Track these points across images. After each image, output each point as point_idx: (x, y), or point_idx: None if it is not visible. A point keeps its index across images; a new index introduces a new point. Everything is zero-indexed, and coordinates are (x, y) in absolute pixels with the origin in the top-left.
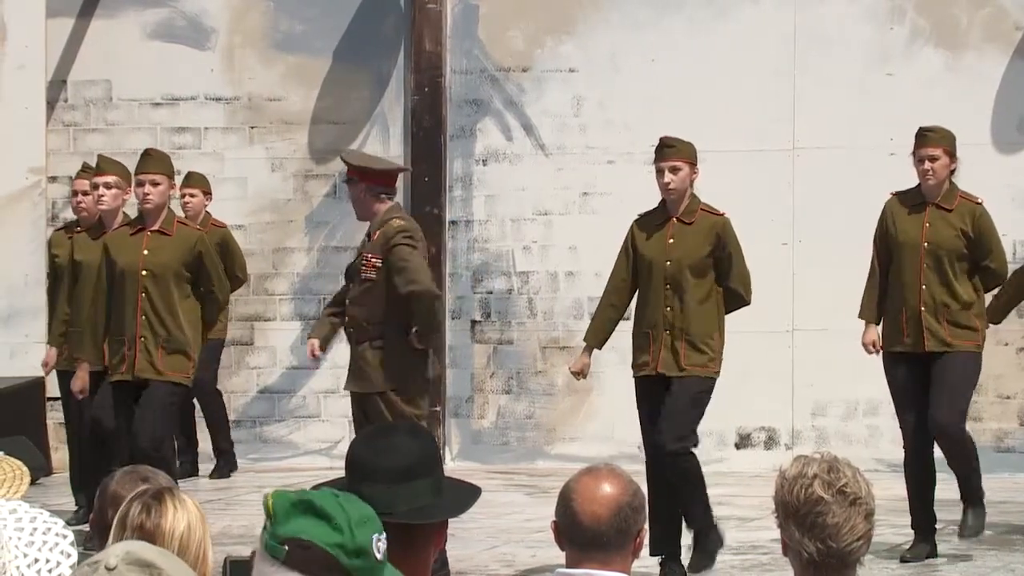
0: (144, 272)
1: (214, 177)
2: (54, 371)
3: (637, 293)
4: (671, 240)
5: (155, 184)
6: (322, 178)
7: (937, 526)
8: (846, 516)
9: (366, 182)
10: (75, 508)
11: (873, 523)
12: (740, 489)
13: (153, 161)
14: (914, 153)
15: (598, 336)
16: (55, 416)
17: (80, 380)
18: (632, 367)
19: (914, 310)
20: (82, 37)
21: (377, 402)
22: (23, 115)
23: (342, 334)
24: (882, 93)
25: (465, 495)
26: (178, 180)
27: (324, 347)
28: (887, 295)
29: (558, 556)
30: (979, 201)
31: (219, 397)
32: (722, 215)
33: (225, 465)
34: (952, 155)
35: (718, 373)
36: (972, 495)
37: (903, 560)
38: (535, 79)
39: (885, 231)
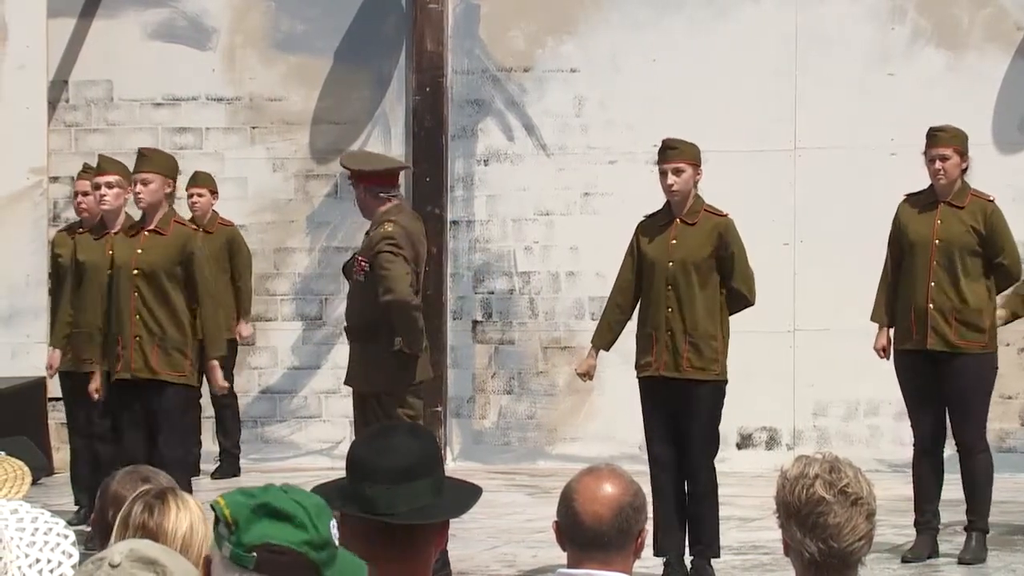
0: (135, 271)
1: (215, 177)
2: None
3: (641, 294)
4: (674, 241)
5: (146, 183)
6: (323, 178)
7: (939, 526)
8: (847, 516)
9: (363, 183)
10: (76, 508)
11: (874, 523)
12: (741, 489)
13: (145, 160)
14: (925, 153)
15: (604, 338)
16: (56, 416)
17: (95, 381)
18: (635, 367)
19: (921, 307)
20: (83, 37)
21: (371, 402)
22: (24, 115)
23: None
24: (883, 93)
25: (466, 495)
26: (184, 180)
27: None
28: (898, 295)
29: (559, 556)
30: (991, 199)
31: (235, 400)
32: (725, 216)
33: (229, 467)
34: (963, 154)
35: (725, 379)
36: (979, 520)
37: (904, 560)
38: (536, 79)
39: (898, 231)
